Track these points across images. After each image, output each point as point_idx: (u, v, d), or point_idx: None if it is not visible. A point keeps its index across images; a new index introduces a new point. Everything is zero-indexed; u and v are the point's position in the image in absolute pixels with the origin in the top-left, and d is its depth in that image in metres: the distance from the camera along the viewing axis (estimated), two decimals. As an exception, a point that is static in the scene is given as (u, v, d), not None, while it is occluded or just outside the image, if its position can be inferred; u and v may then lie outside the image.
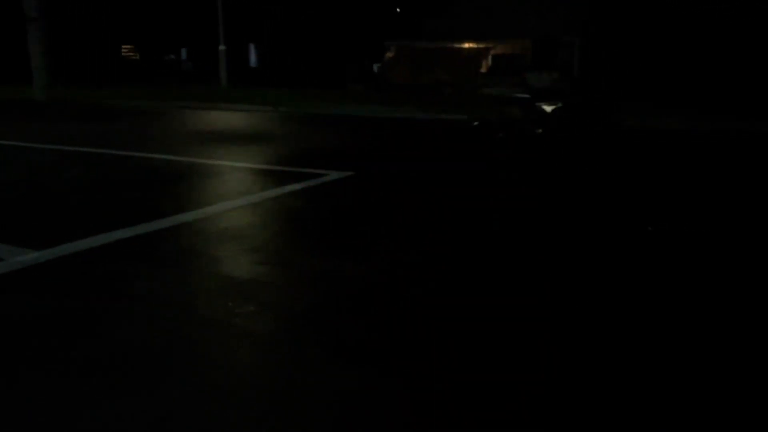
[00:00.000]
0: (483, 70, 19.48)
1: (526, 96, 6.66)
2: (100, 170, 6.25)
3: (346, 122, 10.89)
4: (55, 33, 17.36)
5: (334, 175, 5.70)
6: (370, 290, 2.97)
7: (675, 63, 14.53)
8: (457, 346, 2.39)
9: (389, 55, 20.97)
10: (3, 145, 7.89)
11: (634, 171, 6.10)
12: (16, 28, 16.99)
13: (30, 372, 2.20)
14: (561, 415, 1.94)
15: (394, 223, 4.21)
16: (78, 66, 21.54)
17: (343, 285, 3.03)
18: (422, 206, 4.72)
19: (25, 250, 3.44)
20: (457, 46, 20.01)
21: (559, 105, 6.52)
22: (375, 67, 21.35)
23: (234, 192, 5.04)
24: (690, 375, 2.18)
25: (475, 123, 6.47)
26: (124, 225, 3.94)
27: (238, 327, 2.54)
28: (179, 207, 4.47)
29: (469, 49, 19.96)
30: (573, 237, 3.92)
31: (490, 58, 19.77)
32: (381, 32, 20.93)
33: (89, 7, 22.52)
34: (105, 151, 7.30)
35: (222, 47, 19.41)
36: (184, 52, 29.51)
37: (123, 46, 26.16)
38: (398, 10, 22.42)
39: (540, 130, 6.41)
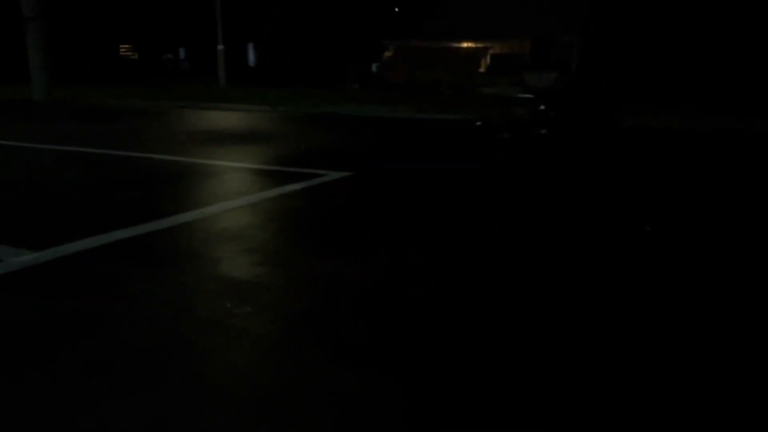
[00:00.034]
0: (481, 69, 19.50)
1: (531, 96, 6.66)
2: (99, 170, 6.25)
3: (345, 122, 10.89)
4: (54, 32, 17.34)
5: (333, 175, 5.70)
6: (369, 291, 2.98)
7: (675, 63, 14.54)
8: (457, 347, 2.40)
9: (388, 54, 20.99)
10: (1, 145, 7.88)
11: (634, 171, 6.11)
12: (14, 27, 16.98)
13: (30, 372, 2.20)
14: (560, 415, 1.95)
15: (394, 223, 4.22)
16: (76, 65, 21.51)
17: (342, 285, 3.04)
18: (422, 206, 4.73)
19: (24, 251, 3.44)
20: (456, 45, 20.03)
21: (561, 104, 6.53)
22: (374, 66, 21.35)
23: (233, 192, 5.04)
24: (688, 374, 2.19)
25: (478, 123, 6.46)
26: (123, 225, 3.94)
27: (238, 327, 2.55)
28: (178, 207, 4.47)
29: (468, 48, 19.99)
30: (572, 237, 3.92)
31: (488, 57, 19.79)
32: (379, 32, 20.93)
33: (88, 6, 22.50)
34: (104, 151, 7.30)
35: (220, 47, 19.41)
36: (182, 52, 29.50)
37: (121, 46, 26.14)
38: (397, 9, 22.42)
39: (543, 131, 6.42)
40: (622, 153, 6.96)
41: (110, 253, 3.50)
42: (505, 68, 18.00)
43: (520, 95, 6.65)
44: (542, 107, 7.37)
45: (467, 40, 19.47)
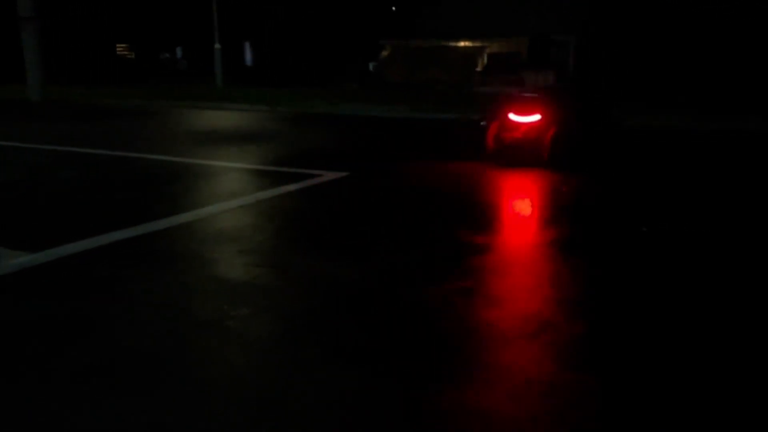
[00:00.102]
0: (479, 68, 19.50)
1: (531, 95, 6.64)
2: (96, 171, 6.26)
3: (343, 122, 10.90)
4: (50, 32, 17.31)
5: (329, 175, 5.71)
6: (368, 291, 2.99)
7: (674, 63, 14.57)
8: (457, 347, 2.42)
9: (385, 53, 20.98)
10: (-2, 145, 7.86)
11: (634, 170, 6.13)
12: (10, 27, 16.93)
13: (30, 372, 2.22)
14: (560, 415, 1.97)
15: (392, 224, 4.23)
16: (73, 65, 21.46)
17: (341, 286, 3.05)
18: (420, 206, 4.74)
19: (22, 252, 3.45)
20: (453, 44, 20.03)
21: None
22: (371, 65, 21.34)
23: (229, 193, 5.05)
24: (685, 374, 2.22)
25: (482, 123, 6.45)
26: (121, 226, 3.95)
27: (237, 328, 2.57)
28: (176, 208, 4.48)
29: (465, 47, 19.98)
30: (571, 237, 3.94)
31: (485, 56, 19.79)
32: (376, 31, 20.92)
33: (84, 5, 22.44)
34: (101, 151, 7.30)
35: (217, 46, 19.37)
36: (179, 51, 29.44)
37: (118, 45, 26.07)
38: (394, 8, 22.42)
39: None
40: (622, 153, 6.98)
41: (108, 254, 3.51)
42: (503, 67, 18.01)
43: (519, 95, 6.62)
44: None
45: (464, 39, 19.47)
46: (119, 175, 6.01)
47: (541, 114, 6.17)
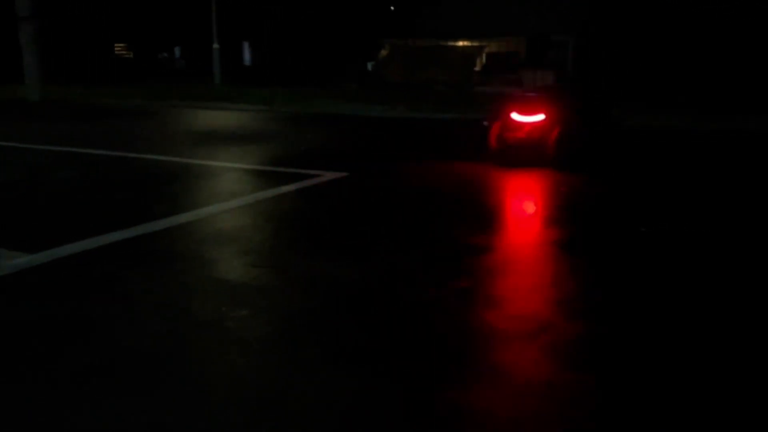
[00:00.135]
0: (477, 68, 19.50)
1: (531, 95, 6.63)
2: (95, 171, 6.26)
3: (341, 121, 10.90)
4: (48, 31, 17.27)
5: (329, 175, 5.71)
6: (368, 292, 2.99)
7: (674, 63, 14.57)
8: (457, 347, 2.42)
9: (384, 53, 20.98)
10: (-3, 145, 7.86)
11: (635, 170, 6.13)
12: (8, 26, 16.90)
13: (30, 372, 2.22)
14: (560, 415, 1.98)
15: (390, 224, 4.24)
16: (71, 65, 21.43)
17: (340, 286, 3.06)
18: (419, 206, 4.75)
19: (22, 253, 3.45)
20: (452, 44, 20.02)
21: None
22: (369, 65, 21.33)
23: (228, 193, 5.05)
24: (685, 374, 2.22)
25: (485, 123, 6.44)
26: (119, 227, 3.95)
27: (238, 328, 2.57)
28: (174, 208, 4.48)
29: (464, 47, 19.98)
30: (573, 237, 3.94)
31: (484, 56, 19.80)
32: (375, 30, 20.91)
33: (82, 5, 22.41)
34: (99, 151, 7.29)
35: (216, 46, 19.37)
36: (177, 51, 29.41)
37: (116, 45, 26.04)
38: (392, 8, 22.41)
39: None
40: (623, 153, 6.98)
41: (108, 254, 3.51)
42: (502, 67, 18.02)
43: (522, 94, 6.61)
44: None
45: (463, 38, 19.47)
46: (118, 175, 6.01)
47: (545, 114, 6.17)
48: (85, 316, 2.69)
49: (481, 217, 4.43)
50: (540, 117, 6.16)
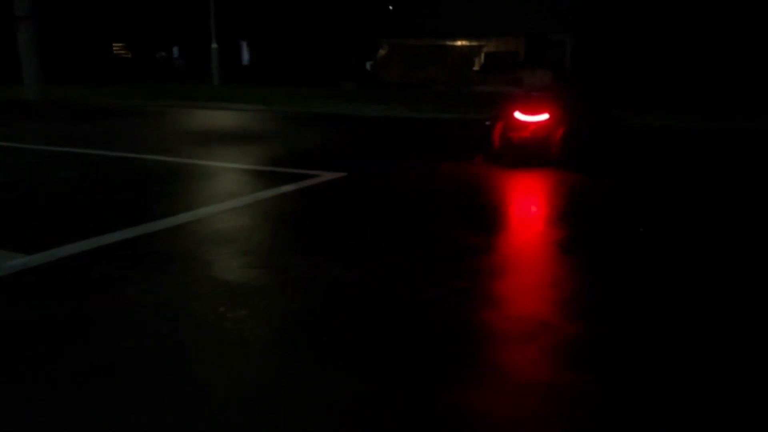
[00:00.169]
0: (476, 68, 19.50)
1: (531, 95, 6.63)
2: (95, 171, 6.25)
3: (340, 121, 10.90)
4: (47, 31, 17.26)
5: (328, 175, 5.71)
6: (368, 292, 3.00)
7: (674, 63, 14.58)
8: (457, 347, 2.42)
9: (382, 52, 20.98)
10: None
11: (636, 170, 6.14)
12: (5, 26, 16.89)
13: (30, 372, 2.22)
14: (560, 415, 1.98)
15: (390, 224, 4.24)
16: (69, 64, 21.41)
17: (339, 287, 3.06)
18: (419, 206, 4.75)
19: (21, 253, 3.45)
20: (450, 43, 20.02)
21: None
22: (367, 65, 21.33)
23: (227, 193, 5.05)
24: (685, 374, 2.23)
25: (487, 122, 6.44)
26: (118, 227, 3.95)
27: (237, 329, 2.57)
28: (173, 209, 4.48)
29: (462, 46, 19.98)
30: (572, 236, 3.95)
31: (482, 55, 19.80)
32: (374, 30, 20.91)
33: (81, 4, 22.40)
34: (98, 152, 7.29)
35: (214, 45, 19.37)
36: (175, 50, 29.40)
37: (115, 44, 26.03)
38: (391, 7, 22.41)
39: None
40: (623, 153, 6.99)
41: (107, 254, 3.51)
42: (500, 67, 18.03)
43: (526, 94, 6.61)
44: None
45: (462, 38, 19.48)
46: (118, 175, 6.01)
47: (549, 113, 6.16)
48: (84, 316, 2.69)
49: (482, 216, 4.43)
50: (544, 116, 6.16)
